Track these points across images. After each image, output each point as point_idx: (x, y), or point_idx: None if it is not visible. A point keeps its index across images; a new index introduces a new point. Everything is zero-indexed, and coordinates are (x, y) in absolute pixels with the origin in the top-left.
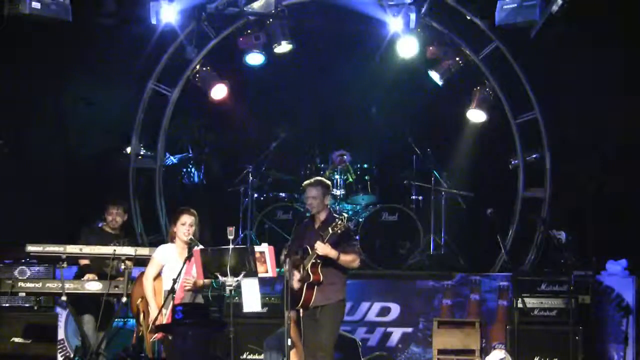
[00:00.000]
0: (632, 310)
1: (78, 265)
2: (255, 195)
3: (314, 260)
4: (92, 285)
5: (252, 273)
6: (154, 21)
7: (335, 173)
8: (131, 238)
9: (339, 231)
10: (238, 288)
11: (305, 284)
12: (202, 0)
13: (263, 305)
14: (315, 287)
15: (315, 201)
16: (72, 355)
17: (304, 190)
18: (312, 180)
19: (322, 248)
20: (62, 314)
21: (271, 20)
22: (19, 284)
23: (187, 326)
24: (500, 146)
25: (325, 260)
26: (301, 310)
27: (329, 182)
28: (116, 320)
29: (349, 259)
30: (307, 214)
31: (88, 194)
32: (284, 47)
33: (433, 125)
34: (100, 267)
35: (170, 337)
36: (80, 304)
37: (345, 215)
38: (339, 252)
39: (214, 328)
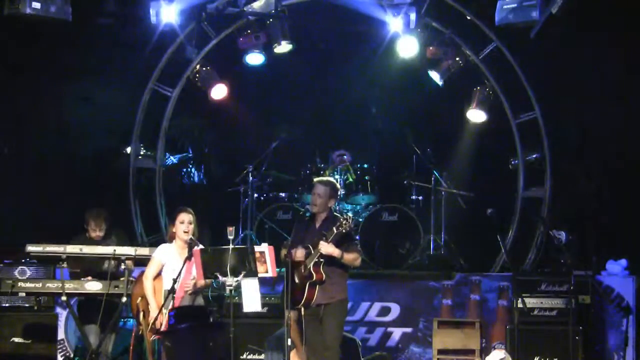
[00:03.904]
0: (632, 311)
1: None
2: (255, 195)
3: (316, 260)
4: (92, 285)
5: (252, 273)
6: (154, 21)
7: (335, 173)
8: (119, 238)
9: (343, 231)
10: (238, 288)
11: (308, 283)
12: (202, 0)
13: (263, 305)
14: (318, 286)
15: (320, 200)
16: (72, 355)
17: (313, 186)
18: (323, 178)
19: (326, 248)
20: (62, 314)
21: (271, 20)
22: (19, 284)
23: (182, 331)
24: (500, 146)
25: (328, 260)
26: (303, 309)
27: (338, 187)
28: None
29: (352, 258)
30: (307, 215)
31: (88, 194)
32: (284, 47)
33: (433, 125)
34: (92, 270)
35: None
36: (84, 312)
37: (350, 215)
38: (343, 252)
39: (211, 330)
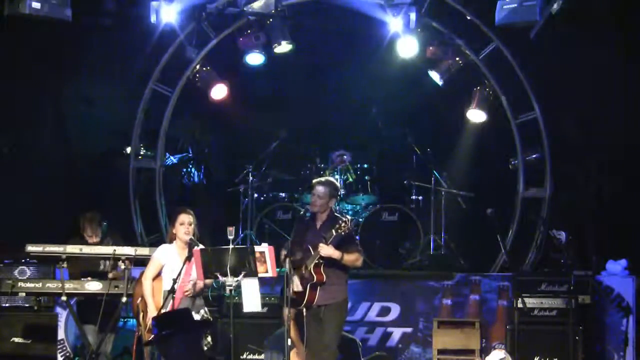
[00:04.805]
0: (632, 310)
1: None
2: (255, 195)
3: (317, 261)
4: (92, 285)
5: (252, 273)
6: (154, 21)
7: (335, 173)
8: (116, 241)
9: (342, 233)
10: (238, 288)
11: (309, 284)
12: (202, 0)
13: (263, 305)
14: (319, 287)
15: (320, 201)
16: (72, 355)
17: (312, 187)
18: (322, 179)
19: (326, 250)
20: (62, 314)
21: (271, 20)
22: (19, 284)
23: (168, 338)
24: (500, 146)
25: (328, 261)
26: (304, 310)
27: (338, 185)
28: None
29: (353, 259)
30: (307, 214)
31: (88, 194)
32: (284, 47)
33: (433, 125)
34: (90, 271)
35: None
36: (83, 312)
37: (349, 217)
38: (343, 253)
39: (198, 329)
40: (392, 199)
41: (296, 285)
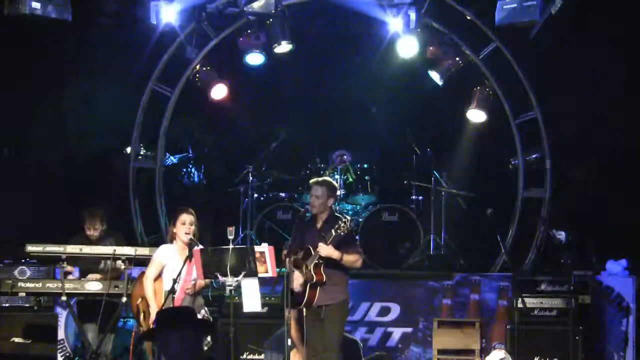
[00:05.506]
0: (632, 311)
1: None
2: (255, 195)
3: (316, 261)
4: (92, 286)
5: (252, 273)
6: (154, 21)
7: (335, 173)
8: (117, 240)
9: (341, 233)
10: (238, 288)
11: (309, 284)
12: (202, 0)
13: (263, 305)
14: (319, 287)
15: (318, 201)
16: (72, 355)
17: (310, 188)
18: (319, 179)
19: (325, 250)
20: (62, 314)
21: (271, 20)
22: (19, 284)
23: (166, 334)
24: (500, 146)
25: (328, 261)
26: (304, 310)
27: (335, 185)
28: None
29: (352, 259)
30: (308, 215)
31: (88, 195)
32: (284, 47)
33: (433, 125)
34: (90, 270)
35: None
36: (83, 311)
37: (349, 217)
38: (342, 253)
39: (198, 328)
40: (392, 199)
41: (296, 284)
